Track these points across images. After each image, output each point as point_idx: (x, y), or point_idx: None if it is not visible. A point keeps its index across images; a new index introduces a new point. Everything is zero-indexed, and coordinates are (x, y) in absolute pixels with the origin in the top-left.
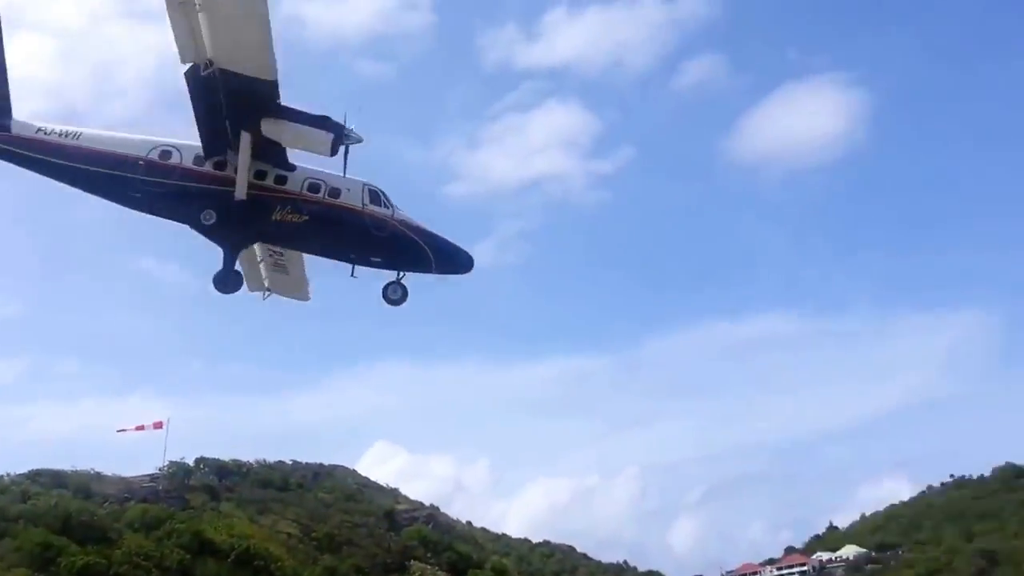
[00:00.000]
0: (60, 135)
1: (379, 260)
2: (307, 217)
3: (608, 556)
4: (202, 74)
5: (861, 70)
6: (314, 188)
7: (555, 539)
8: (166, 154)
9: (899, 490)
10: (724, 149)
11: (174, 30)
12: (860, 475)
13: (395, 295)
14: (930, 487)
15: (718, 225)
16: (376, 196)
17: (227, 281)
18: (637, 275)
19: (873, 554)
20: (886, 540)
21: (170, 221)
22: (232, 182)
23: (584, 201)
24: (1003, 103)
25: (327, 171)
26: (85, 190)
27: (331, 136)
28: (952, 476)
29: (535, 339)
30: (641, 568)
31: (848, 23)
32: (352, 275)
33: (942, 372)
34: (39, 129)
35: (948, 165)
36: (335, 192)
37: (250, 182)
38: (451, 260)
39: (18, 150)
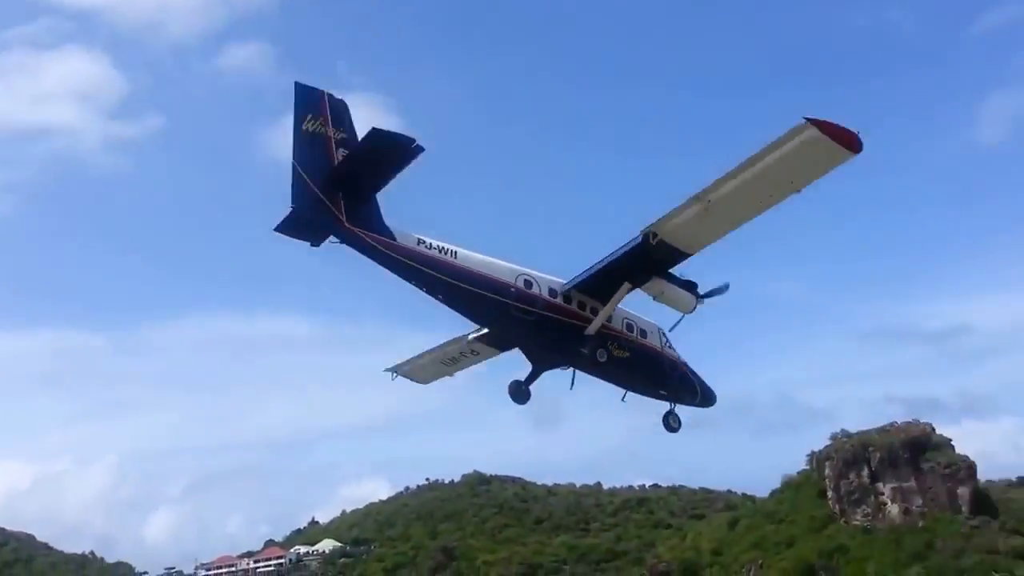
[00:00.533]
0: (439, 250)
1: (665, 395)
2: (628, 354)
3: (72, 546)
4: (651, 242)
5: (399, 97)
6: (630, 328)
7: (10, 527)
8: (528, 283)
9: (379, 490)
10: (262, 143)
11: (679, 216)
12: (347, 474)
13: (676, 424)
14: (407, 488)
15: (244, 218)
16: (666, 338)
17: (522, 393)
18: (150, 255)
19: (348, 548)
20: (362, 535)
21: (511, 344)
22: (576, 315)
23: (97, 163)
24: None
25: (631, 311)
26: (452, 306)
27: (695, 299)
28: (427, 479)
29: (15, 307)
30: (109, 559)
31: (398, 54)
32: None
33: None
34: (420, 241)
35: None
36: (643, 333)
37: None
38: (708, 398)
39: (401, 258)
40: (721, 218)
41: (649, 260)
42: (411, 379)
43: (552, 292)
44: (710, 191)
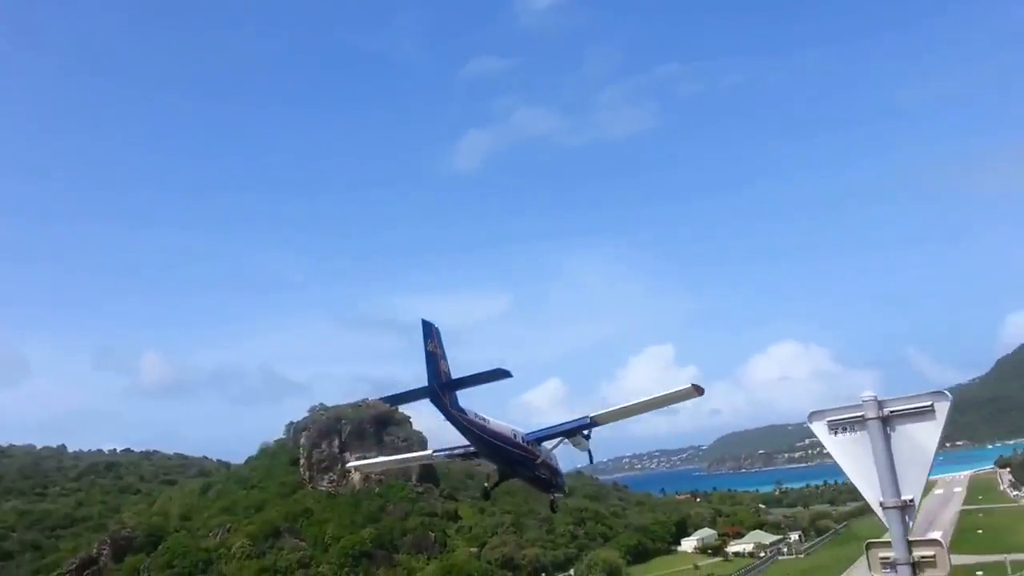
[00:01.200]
0: (480, 419)
1: (555, 488)
2: (548, 470)
3: None
4: (591, 422)
5: None
6: (549, 456)
7: None
8: (515, 434)
9: None
10: None
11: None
12: None
13: (558, 507)
14: None
15: None
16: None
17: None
18: None
19: None
20: None
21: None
22: (533, 453)
23: None
24: None
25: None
26: (484, 455)
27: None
28: None
29: None
30: None
31: None
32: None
33: None
34: (476, 415)
35: None
36: (551, 456)
37: None
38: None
39: (469, 427)
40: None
41: (583, 428)
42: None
43: (525, 439)
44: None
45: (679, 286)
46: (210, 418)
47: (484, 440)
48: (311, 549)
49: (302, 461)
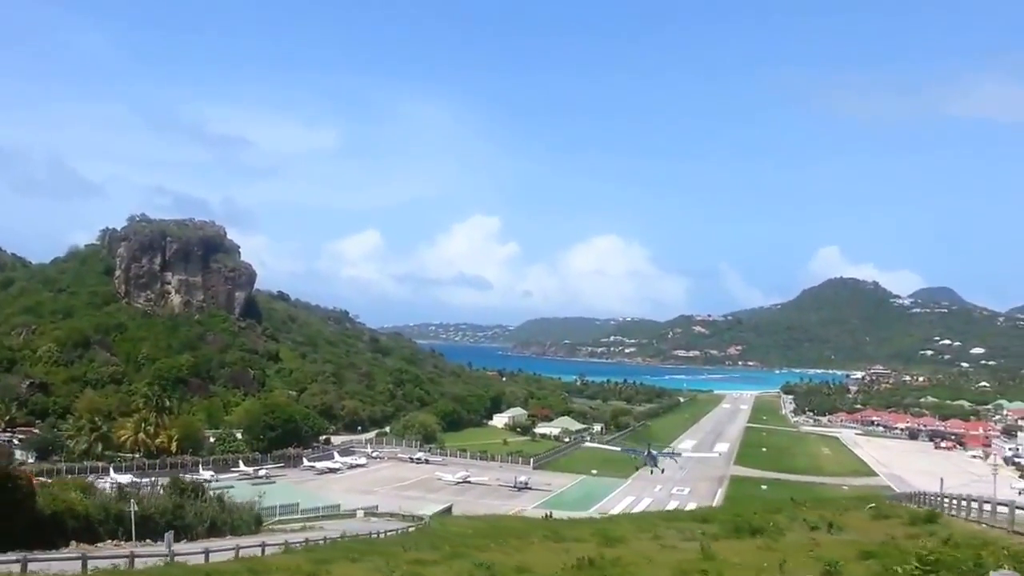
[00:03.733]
0: None
1: None
2: None
3: None
4: None
5: None
6: None
7: None
8: None
9: None
10: None
11: None
12: None
13: None
14: None
15: None
16: None
17: None
18: None
19: None
20: None
21: None
22: None
23: None
24: None
25: None
26: None
27: None
28: None
29: None
30: None
31: None
32: None
33: None
34: None
35: None
36: None
37: None
38: None
39: None
40: None
41: None
42: None
43: None
44: None
45: (519, 159)
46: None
47: None
48: (123, 365)
49: (118, 273)
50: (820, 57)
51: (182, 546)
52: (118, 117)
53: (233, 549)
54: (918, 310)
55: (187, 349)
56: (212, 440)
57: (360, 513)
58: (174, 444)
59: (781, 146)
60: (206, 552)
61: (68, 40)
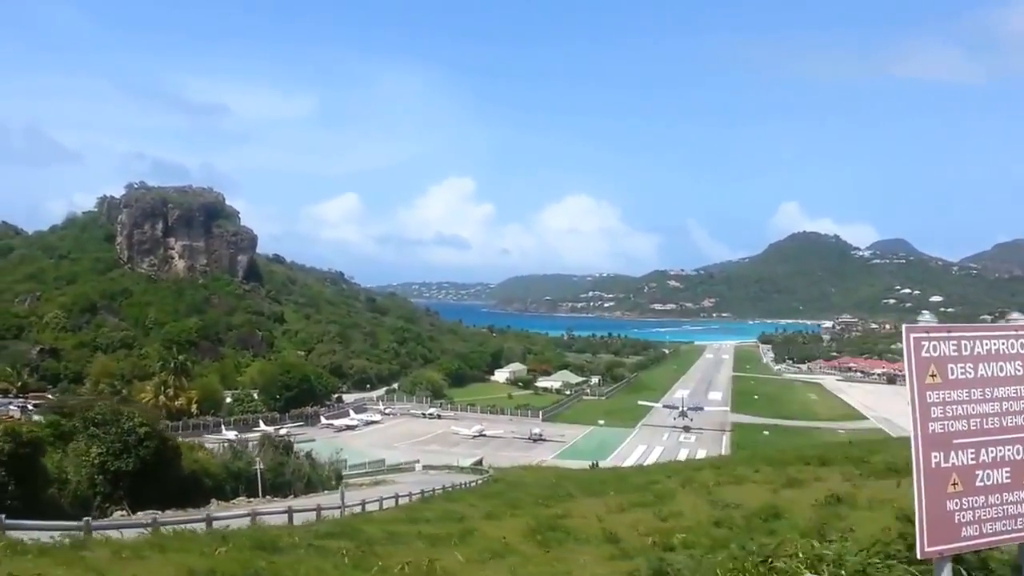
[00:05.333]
0: None
1: None
2: None
3: None
4: None
5: None
6: None
7: None
8: None
9: None
10: None
11: None
12: None
13: None
14: None
15: None
16: None
17: None
18: None
19: None
20: None
21: None
22: None
23: None
24: None
25: None
26: None
27: None
28: None
29: None
30: None
31: None
32: None
33: None
34: None
35: None
36: None
37: None
38: None
39: None
40: None
41: None
42: None
43: None
44: None
45: (490, 122)
46: None
47: None
48: (132, 330)
49: (120, 240)
50: (779, 22)
51: (315, 499)
52: (96, 86)
53: (359, 504)
54: (877, 261)
55: (194, 312)
56: (229, 401)
57: (418, 467)
58: (194, 406)
59: (741, 106)
60: (363, 503)
61: (46, 11)
